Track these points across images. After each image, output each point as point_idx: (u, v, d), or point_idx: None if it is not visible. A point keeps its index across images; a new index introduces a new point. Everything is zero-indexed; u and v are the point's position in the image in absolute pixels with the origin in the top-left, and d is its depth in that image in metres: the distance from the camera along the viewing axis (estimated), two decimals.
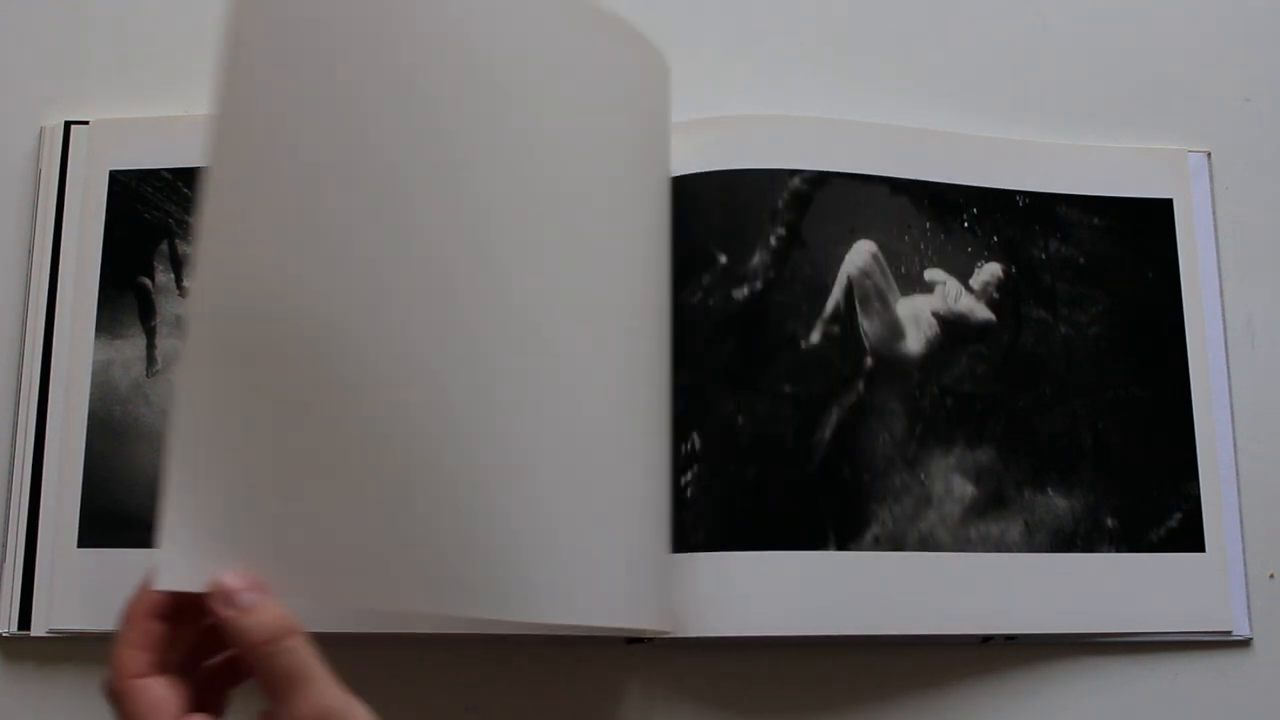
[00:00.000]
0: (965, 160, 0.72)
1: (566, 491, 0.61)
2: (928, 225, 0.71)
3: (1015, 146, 0.74)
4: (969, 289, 0.70)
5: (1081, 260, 0.72)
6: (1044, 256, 0.72)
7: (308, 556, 0.52)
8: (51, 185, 0.70)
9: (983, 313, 0.70)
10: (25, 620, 0.66)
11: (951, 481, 0.68)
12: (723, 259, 0.68)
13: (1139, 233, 0.73)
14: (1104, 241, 0.72)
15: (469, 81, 0.59)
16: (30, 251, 0.70)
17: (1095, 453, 0.69)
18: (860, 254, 0.70)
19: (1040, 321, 0.71)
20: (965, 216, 0.71)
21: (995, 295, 0.71)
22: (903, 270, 0.70)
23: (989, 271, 0.71)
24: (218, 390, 0.53)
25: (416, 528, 0.55)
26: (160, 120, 0.71)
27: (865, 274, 0.69)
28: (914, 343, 0.69)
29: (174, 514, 0.50)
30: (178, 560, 0.50)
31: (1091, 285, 0.72)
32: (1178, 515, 0.69)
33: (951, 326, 0.70)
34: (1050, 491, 0.69)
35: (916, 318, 0.70)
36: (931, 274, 0.70)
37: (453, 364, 0.58)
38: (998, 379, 0.70)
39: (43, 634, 0.66)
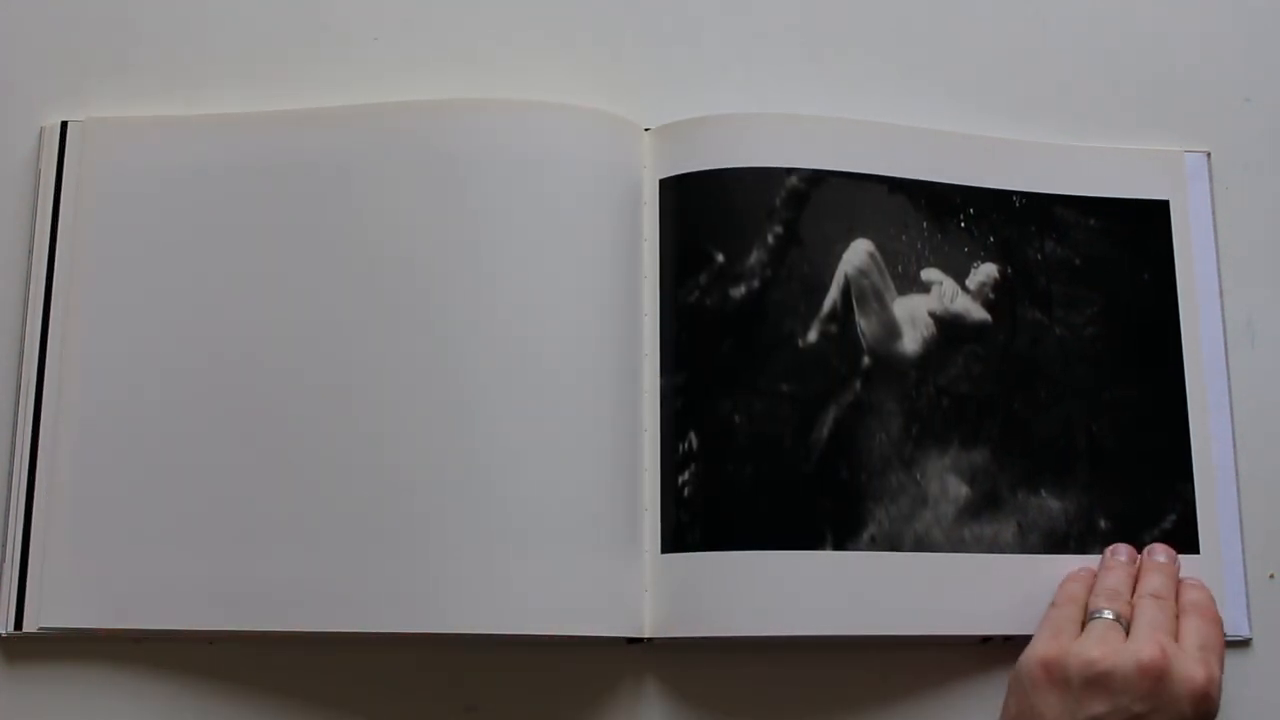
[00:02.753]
0: (963, 160, 0.72)
1: (502, 503, 0.64)
2: (925, 225, 0.71)
3: (1013, 146, 0.73)
4: (965, 289, 0.70)
5: (1077, 261, 0.72)
6: (1040, 257, 0.71)
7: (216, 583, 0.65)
8: (50, 185, 0.70)
9: (979, 313, 0.70)
10: (19, 619, 0.66)
11: (946, 482, 0.68)
12: (720, 258, 0.68)
13: (1135, 234, 0.73)
14: (1100, 243, 0.72)
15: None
16: (30, 251, 0.70)
17: (1090, 454, 0.69)
18: (858, 253, 0.69)
19: (1036, 323, 0.71)
20: (962, 217, 0.71)
21: (991, 296, 0.71)
22: (900, 270, 0.70)
23: (985, 272, 0.71)
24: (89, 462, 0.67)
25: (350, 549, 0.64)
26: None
27: (863, 273, 0.69)
28: (910, 343, 0.69)
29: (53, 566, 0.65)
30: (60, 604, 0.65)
31: (1087, 286, 0.71)
32: (1172, 517, 0.69)
33: (948, 327, 0.70)
34: (1044, 493, 0.69)
35: (913, 318, 0.69)
36: (928, 274, 0.70)
37: (391, 382, 0.66)
38: (993, 380, 0.70)
39: (34, 631, 0.66)
